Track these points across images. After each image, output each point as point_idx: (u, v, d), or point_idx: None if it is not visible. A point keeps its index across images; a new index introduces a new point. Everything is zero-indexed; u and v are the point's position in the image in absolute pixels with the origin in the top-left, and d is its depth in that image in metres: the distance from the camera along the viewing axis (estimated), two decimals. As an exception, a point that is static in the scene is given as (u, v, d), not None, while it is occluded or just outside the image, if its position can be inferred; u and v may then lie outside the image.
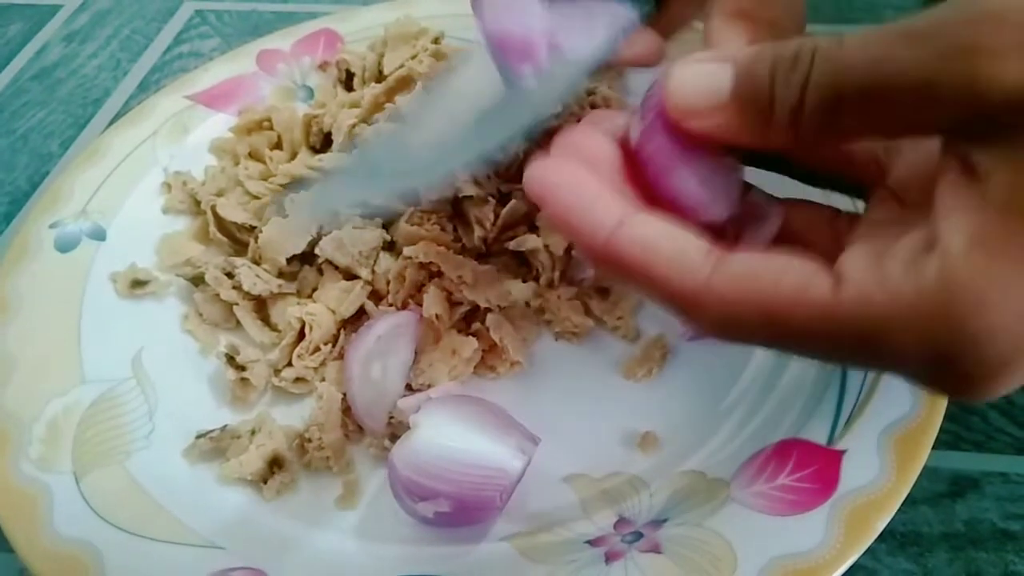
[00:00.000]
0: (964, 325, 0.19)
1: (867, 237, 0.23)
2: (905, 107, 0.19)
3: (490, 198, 0.39)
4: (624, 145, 0.25)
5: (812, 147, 0.24)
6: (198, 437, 0.36)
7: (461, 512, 0.31)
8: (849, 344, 0.21)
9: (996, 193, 0.19)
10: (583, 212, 0.23)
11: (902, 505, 0.30)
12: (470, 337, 0.37)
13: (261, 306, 0.41)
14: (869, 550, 0.29)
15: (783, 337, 0.21)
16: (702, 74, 0.23)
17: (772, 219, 0.26)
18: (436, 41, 0.48)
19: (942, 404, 0.32)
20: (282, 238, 0.40)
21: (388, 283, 0.39)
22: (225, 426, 0.36)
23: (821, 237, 0.26)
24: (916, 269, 0.20)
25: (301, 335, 0.38)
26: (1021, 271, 0.19)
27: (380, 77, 0.47)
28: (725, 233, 0.25)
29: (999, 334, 0.19)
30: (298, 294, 0.41)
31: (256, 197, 0.43)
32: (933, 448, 0.31)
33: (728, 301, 0.21)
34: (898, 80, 0.19)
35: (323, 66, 0.51)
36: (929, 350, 0.20)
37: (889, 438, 0.31)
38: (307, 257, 0.41)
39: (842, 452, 0.31)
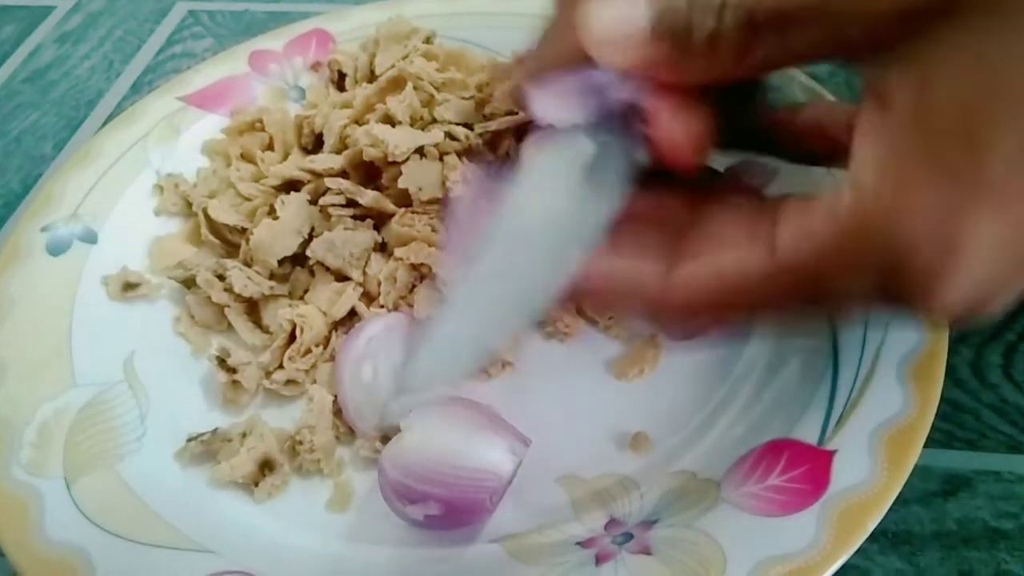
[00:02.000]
0: (885, 245, 0.20)
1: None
2: (809, 26, 0.21)
3: (481, 198, 0.39)
4: None
5: (731, 73, 0.24)
6: (189, 440, 0.36)
7: (451, 514, 0.31)
8: (795, 294, 0.23)
9: (899, 117, 0.20)
10: None
11: (894, 504, 0.30)
12: (461, 338, 0.37)
13: (253, 308, 0.40)
14: (861, 550, 0.29)
15: (744, 303, 0.24)
16: (619, 8, 0.24)
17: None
18: (428, 41, 0.48)
19: (935, 402, 0.32)
20: (273, 240, 0.40)
21: (379, 284, 0.38)
22: (216, 429, 0.36)
23: None
24: (834, 211, 0.21)
25: (292, 337, 0.38)
26: (928, 182, 0.20)
27: (372, 77, 0.47)
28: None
29: (921, 242, 0.20)
30: (290, 296, 0.41)
31: (248, 199, 0.43)
32: (925, 447, 0.31)
33: (687, 302, 0.24)
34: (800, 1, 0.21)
35: (315, 66, 0.51)
36: (860, 278, 0.21)
37: (880, 437, 0.31)
38: (299, 259, 0.41)
39: (833, 452, 0.31)
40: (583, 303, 0.26)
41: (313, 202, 0.41)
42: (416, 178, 0.38)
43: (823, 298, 0.23)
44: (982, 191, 0.19)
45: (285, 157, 0.46)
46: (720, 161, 0.29)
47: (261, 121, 0.47)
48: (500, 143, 0.41)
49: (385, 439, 0.34)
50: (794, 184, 0.32)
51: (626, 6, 0.24)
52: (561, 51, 0.27)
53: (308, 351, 0.38)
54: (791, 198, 0.24)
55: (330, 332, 0.38)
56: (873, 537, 0.29)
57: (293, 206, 0.41)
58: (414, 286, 0.38)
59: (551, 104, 0.26)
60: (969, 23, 0.19)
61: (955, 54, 0.19)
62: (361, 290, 0.39)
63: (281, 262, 0.40)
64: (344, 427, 0.36)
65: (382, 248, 0.40)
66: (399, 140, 0.39)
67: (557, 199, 0.25)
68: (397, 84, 0.44)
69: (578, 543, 0.31)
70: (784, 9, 0.21)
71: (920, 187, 0.20)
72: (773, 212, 0.24)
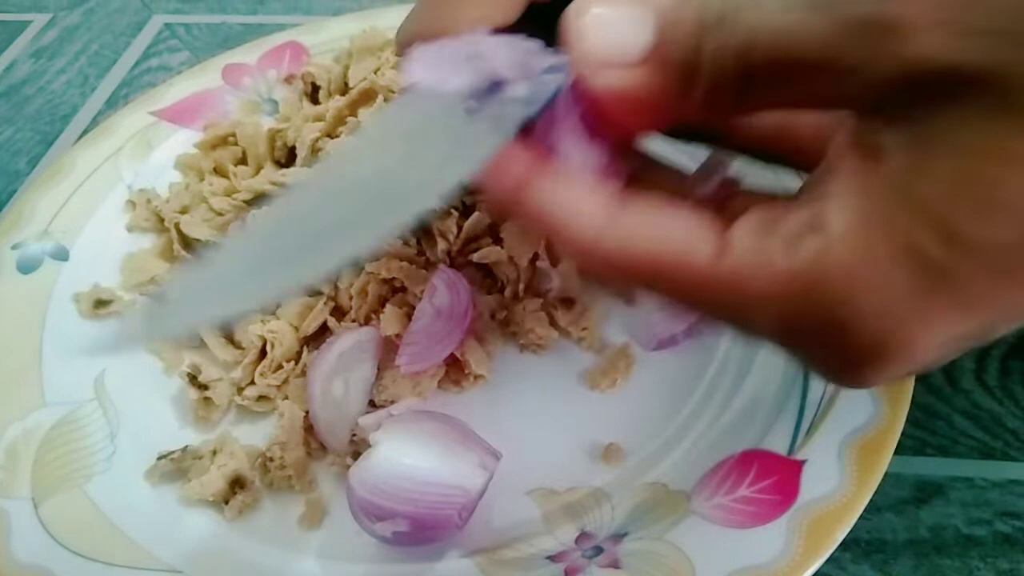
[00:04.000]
0: (832, 311, 0.19)
1: (766, 204, 0.22)
2: (811, 81, 0.19)
3: (453, 210, 0.39)
4: None
5: (724, 117, 0.23)
6: (159, 458, 0.35)
7: (419, 531, 0.30)
8: (725, 313, 0.22)
9: (890, 179, 0.19)
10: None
11: (866, 512, 0.30)
12: (433, 352, 0.37)
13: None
14: (834, 559, 0.29)
15: (670, 293, 0.22)
16: (621, 19, 0.21)
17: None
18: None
19: (904, 410, 0.32)
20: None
21: (351, 299, 0.38)
22: (186, 447, 0.36)
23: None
24: (795, 249, 0.20)
25: (263, 353, 0.38)
26: (897, 259, 0.18)
27: (345, 90, 0.47)
28: None
29: (871, 320, 0.19)
30: (261, 310, 0.40)
31: (220, 214, 0.43)
32: (898, 454, 0.31)
33: (619, 256, 0.22)
34: (803, 54, 0.18)
35: (289, 79, 0.51)
36: (795, 331, 0.20)
37: (850, 447, 0.31)
38: (271, 273, 0.41)
39: (803, 462, 0.31)
40: (520, 219, 0.24)
41: (284, 216, 0.41)
42: (386, 191, 0.38)
43: (749, 326, 0.21)
44: (949, 286, 0.18)
45: (258, 171, 0.45)
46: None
47: (234, 135, 0.47)
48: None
49: (356, 455, 0.34)
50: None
51: (629, 13, 0.21)
52: (458, 16, 0.25)
53: (279, 367, 0.37)
54: (758, 196, 0.23)
55: (301, 347, 0.38)
56: (845, 546, 0.29)
57: (264, 221, 0.41)
58: (385, 300, 0.38)
59: (424, 66, 0.24)
60: (978, 102, 0.17)
61: (957, 134, 0.18)
62: (332, 304, 0.39)
63: (253, 277, 0.40)
64: (316, 443, 0.36)
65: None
66: (369, 153, 0.39)
67: (387, 153, 0.23)
68: (369, 96, 0.44)
69: (548, 557, 0.31)
70: (782, 62, 0.19)
71: (888, 262, 0.19)
72: (735, 208, 0.22)
